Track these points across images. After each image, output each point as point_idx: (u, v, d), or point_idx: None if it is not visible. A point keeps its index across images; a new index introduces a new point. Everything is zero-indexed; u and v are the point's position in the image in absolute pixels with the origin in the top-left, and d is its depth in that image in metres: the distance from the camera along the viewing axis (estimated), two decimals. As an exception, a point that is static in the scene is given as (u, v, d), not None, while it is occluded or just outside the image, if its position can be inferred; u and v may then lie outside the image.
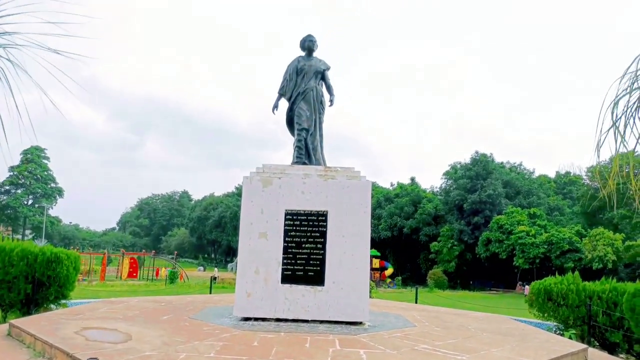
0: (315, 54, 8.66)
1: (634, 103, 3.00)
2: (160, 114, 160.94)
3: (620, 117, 3.12)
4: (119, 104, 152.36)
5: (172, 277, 32.01)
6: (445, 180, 54.51)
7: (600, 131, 3.11)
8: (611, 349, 7.60)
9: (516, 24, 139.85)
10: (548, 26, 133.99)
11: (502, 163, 54.42)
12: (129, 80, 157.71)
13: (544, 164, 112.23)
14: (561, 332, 8.48)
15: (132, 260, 36.73)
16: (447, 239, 47.20)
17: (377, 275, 43.76)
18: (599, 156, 3.57)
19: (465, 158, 52.20)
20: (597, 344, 7.80)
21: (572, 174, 57.91)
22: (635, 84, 2.97)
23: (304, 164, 8.02)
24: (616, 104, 3.05)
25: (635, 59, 3.00)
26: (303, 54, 8.65)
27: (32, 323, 6.19)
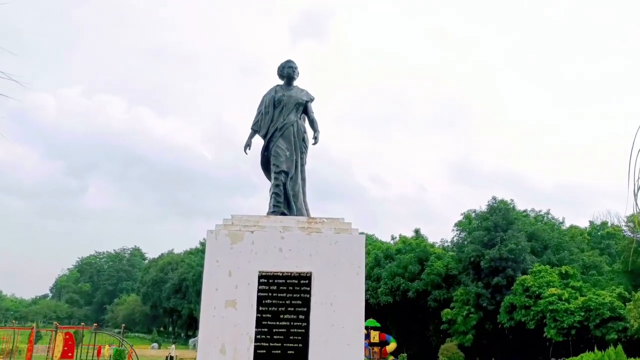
0: (296, 83, 8.90)
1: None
2: (107, 153, 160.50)
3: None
4: (55, 140, 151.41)
5: (118, 358, 31.01)
6: (458, 232, 54.77)
7: (634, 176, 3.16)
8: None
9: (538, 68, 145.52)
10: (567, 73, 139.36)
11: (525, 211, 55.06)
12: (67, 112, 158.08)
13: (575, 212, 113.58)
14: None
15: (67, 337, 35.56)
16: (462, 304, 46.79)
17: (377, 351, 42.90)
18: (637, 204, 3.62)
19: (481, 205, 52.73)
20: None
21: (609, 225, 58.66)
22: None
23: (283, 214, 8.04)
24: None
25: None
26: (281, 82, 8.89)
27: None
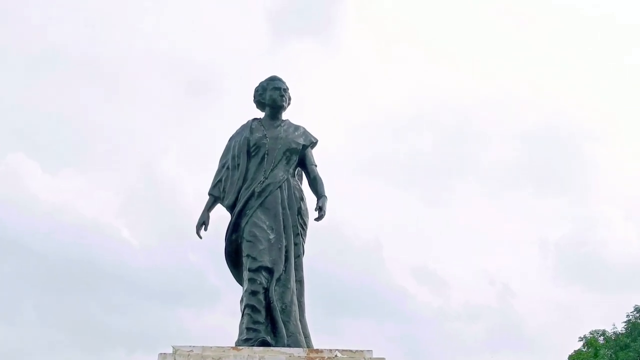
0: (286, 115, 9.08)
1: None
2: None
3: None
4: None
5: None
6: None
7: None
8: None
9: None
10: None
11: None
12: None
13: None
14: None
15: None
16: None
17: None
18: None
19: (615, 323, 51.91)
20: None
21: None
22: None
23: (264, 343, 7.87)
24: None
25: None
26: (261, 114, 9.07)
27: None
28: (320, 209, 8.62)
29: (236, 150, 8.71)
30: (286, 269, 8.38)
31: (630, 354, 47.56)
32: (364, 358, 7.59)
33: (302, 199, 8.73)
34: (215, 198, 8.75)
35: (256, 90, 9.03)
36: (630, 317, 49.85)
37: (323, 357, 7.55)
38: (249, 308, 8.10)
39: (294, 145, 8.75)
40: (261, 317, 8.08)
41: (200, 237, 8.66)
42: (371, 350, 7.71)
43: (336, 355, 7.55)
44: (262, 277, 8.16)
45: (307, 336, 8.34)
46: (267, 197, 8.45)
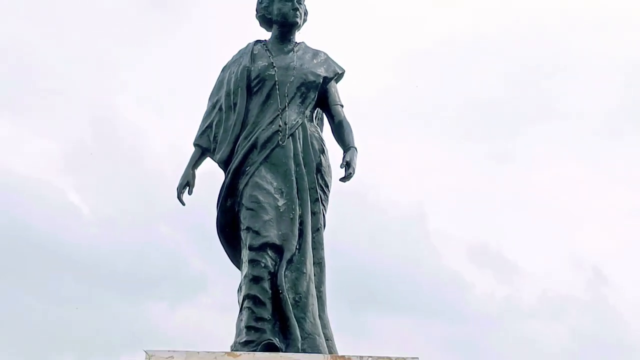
0: (300, 35, 7.83)
1: None
2: None
3: None
4: None
5: None
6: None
7: None
8: None
9: None
10: None
11: None
12: None
13: None
14: None
15: None
16: None
17: None
18: None
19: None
20: None
21: None
22: None
23: (270, 347, 6.74)
24: None
25: None
26: (267, 34, 7.86)
27: None
28: (348, 165, 7.17)
29: (232, 85, 7.54)
30: (301, 248, 7.15)
31: None
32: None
33: (322, 151, 7.42)
34: (203, 150, 7.60)
35: (259, 2, 7.79)
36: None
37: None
38: (249, 300, 7.04)
39: (311, 78, 7.48)
40: (266, 313, 7.03)
41: (183, 204, 7.49)
42: (417, 358, 6.75)
43: (369, 363, 7.03)
44: (268, 258, 7.07)
45: (328, 338, 7.21)
46: (274, 148, 7.21)
